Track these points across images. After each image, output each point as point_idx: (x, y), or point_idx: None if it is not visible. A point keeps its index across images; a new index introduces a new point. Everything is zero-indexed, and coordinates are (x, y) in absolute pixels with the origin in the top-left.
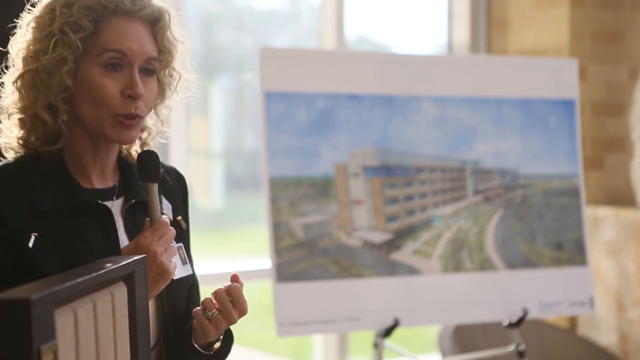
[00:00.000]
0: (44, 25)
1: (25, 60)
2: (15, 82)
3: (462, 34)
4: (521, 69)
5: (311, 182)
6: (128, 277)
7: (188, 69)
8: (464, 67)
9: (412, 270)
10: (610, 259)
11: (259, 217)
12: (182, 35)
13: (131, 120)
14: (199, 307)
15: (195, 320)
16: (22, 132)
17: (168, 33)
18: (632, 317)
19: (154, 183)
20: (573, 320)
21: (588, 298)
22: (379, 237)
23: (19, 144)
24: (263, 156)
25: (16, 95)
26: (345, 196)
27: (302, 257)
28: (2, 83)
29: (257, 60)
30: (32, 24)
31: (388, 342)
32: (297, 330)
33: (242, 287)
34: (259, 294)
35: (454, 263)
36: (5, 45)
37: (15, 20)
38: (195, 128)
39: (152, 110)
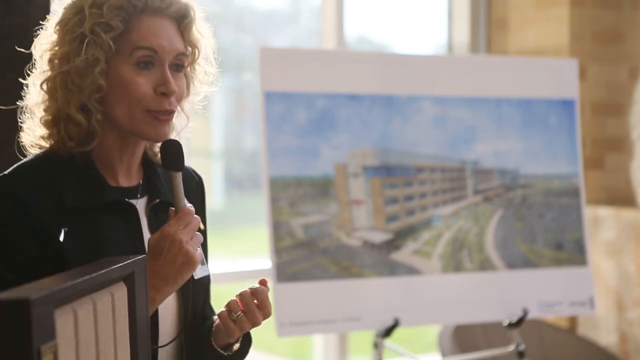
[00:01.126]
0: (72, 26)
1: (52, 62)
2: (42, 84)
3: (462, 34)
4: (521, 69)
5: (311, 182)
6: (128, 277)
7: (212, 63)
8: (464, 67)
9: (412, 270)
10: (610, 259)
11: (259, 217)
12: (206, 30)
13: (165, 116)
14: (223, 309)
15: (217, 321)
16: (52, 132)
17: (194, 28)
18: (632, 317)
19: (178, 172)
20: (573, 320)
21: (588, 298)
22: (379, 237)
23: (48, 143)
24: (263, 156)
25: (43, 97)
26: (345, 196)
27: (302, 257)
28: (26, 85)
29: (257, 60)
30: (58, 26)
31: (388, 342)
32: (297, 330)
33: (268, 292)
34: None
35: (454, 263)
36: (5, 43)
37: (15, 19)
38: (195, 128)
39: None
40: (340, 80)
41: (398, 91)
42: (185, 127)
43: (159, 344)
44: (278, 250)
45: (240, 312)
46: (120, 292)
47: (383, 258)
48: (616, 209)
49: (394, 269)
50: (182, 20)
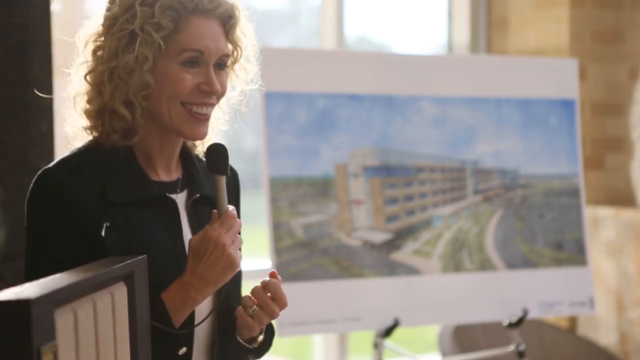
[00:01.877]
0: (123, 22)
1: (97, 55)
2: (87, 76)
3: (462, 34)
4: (521, 69)
5: (311, 182)
6: (128, 277)
7: (252, 62)
8: (464, 67)
9: (412, 270)
10: (610, 259)
11: (259, 217)
12: (249, 29)
13: (203, 115)
14: (240, 306)
15: (238, 319)
16: (95, 124)
17: (238, 29)
18: (632, 317)
19: (223, 175)
20: (573, 320)
21: (588, 298)
22: (379, 237)
23: (91, 135)
24: (263, 156)
25: (86, 88)
26: (345, 196)
27: (302, 257)
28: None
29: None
30: (106, 19)
31: (388, 342)
32: (297, 330)
33: (280, 283)
34: None
35: (454, 263)
36: (5, 43)
37: (15, 19)
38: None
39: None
40: (340, 80)
41: (398, 91)
42: (223, 122)
43: (194, 340)
44: (278, 250)
45: (255, 306)
46: (120, 292)
47: (383, 258)
48: (616, 209)
49: (394, 269)
50: (228, 21)
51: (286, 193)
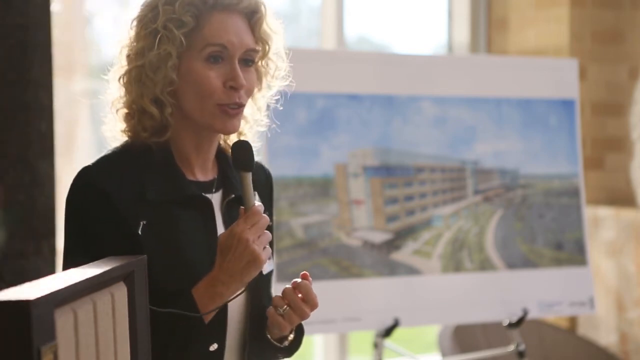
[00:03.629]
0: (147, 22)
1: (129, 57)
2: (120, 78)
3: (462, 34)
4: (521, 69)
5: (311, 182)
6: (128, 277)
7: (284, 58)
8: (464, 67)
9: (412, 270)
10: (610, 259)
11: None
12: (277, 26)
13: (235, 110)
14: (271, 306)
15: (268, 318)
16: (129, 125)
17: (264, 24)
18: (632, 317)
19: (248, 172)
20: (573, 320)
21: (588, 298)
22: (379, 237)
23: (127, 136)
24: (263, 156)
25: (122, 91)
26: (345, 196)
27: (302, 257)
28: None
29: None
30: (135, 22)
31: (388, 342)
32: None
33: (311, 284)
34: None
35: (454, 263)
36: (5, 43)
37: (15, 19)
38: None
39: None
40: (340, 80)
41: (398, 91)
42: (258, 122)
43: (226, 338)
44: (278, 250)
45: (285, 306)
46: (120, 292)
47: (383, 258)
48: (616, 209)
49: (394, 269)
50: (253, 16)
51: (286, 193)
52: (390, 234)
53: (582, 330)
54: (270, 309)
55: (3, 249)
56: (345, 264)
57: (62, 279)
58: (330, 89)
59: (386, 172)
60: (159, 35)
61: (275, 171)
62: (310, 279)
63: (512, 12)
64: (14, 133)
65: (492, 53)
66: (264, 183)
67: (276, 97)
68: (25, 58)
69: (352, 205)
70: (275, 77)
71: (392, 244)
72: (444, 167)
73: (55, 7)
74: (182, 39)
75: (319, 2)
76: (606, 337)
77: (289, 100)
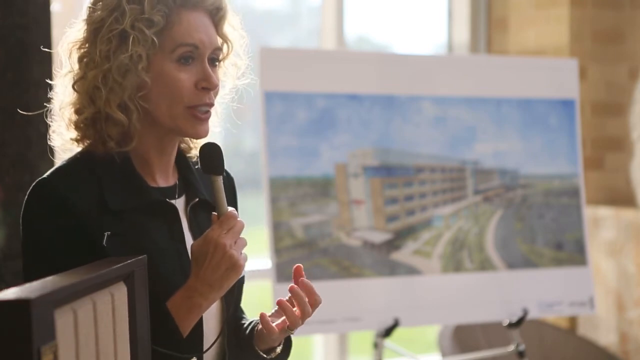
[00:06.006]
0: (110, 23)
1: (83, 61)
2: (75, 84)
3: (462, 34)
4: (521, 69)
5: (311, 182)
6: (128, 277)
7: (241, 56)
8: (464, 67)
9: (412, 270)
10: (610, 259)
11: (259, 217)
12: (237, 22)
13: (205, 114)
14: (264, 314)
15: (259, 326)
16: (87, 133)
17: (227, 22)
18: (632, 317)
19: (219, 176)
20: (573, 320)
21: (588, 298)
22: (379, 237)
23: (82, 145)
24: (263, 156)
25: (75, 98)
26: (345, 196)
27: (302, 257)
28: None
29: (257, 60)
30: (90, 24)
31: (388, 342)
32: (297, 330)
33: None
34: (259, 294)
35: (454, 263)
36: (5, 43)
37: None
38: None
39: None
40: (340, 80)
41: (398, 91)
42: (216, 123)
43: (204, 347)
44: (278, 250)
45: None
46: (120, 292)
47: (383, 258)
48: (616, 209)
49: (394, 269)
50: (217, 13)
51: (286, 193)
52: (390, 234)
53: (582, 330)
54: (265, 315)
55: (3, 249)
56: (345, 264)
57: (62, 279)
58: (331, 89)
59: (386, 172)
60: (131, 37)
61: (275, 171)
62: (304, 272)
63: (512, 12)
64: (14, 133)
65: (492, 53)
66: (227, 185)
67: (233, 97)
68: (25, 58)
69: (352, 205)
70: (233, 76)
71: (392, 244)
72: (444, 167)
73: (55, 7)
74: (155, 39)
75: (319, 2)
76: (606, 337)
77: (289, 100)
